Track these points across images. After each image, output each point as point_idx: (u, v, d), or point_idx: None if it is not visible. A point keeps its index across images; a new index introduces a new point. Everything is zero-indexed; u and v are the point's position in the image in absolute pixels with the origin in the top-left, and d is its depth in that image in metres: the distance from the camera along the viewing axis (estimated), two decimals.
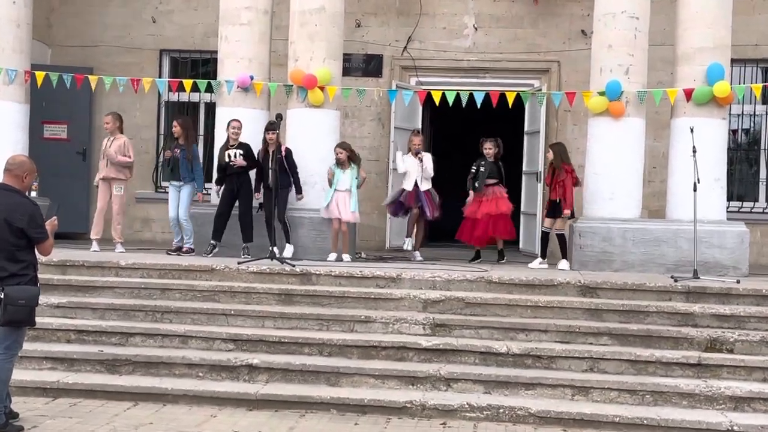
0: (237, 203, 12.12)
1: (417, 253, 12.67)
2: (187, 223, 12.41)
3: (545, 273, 10.78)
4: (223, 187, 12.24)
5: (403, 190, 12.78)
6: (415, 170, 12.61)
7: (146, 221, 15.64)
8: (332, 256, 11.98)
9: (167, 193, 12.84)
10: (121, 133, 12.77)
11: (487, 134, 13.11)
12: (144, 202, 15.49)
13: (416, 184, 12.62)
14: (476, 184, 12.63)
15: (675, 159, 11.94)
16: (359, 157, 12.46)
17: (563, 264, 11.79)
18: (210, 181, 12.91)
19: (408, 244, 12.62)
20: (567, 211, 11.86)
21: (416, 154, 12.63)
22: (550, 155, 12.05)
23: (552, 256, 12.36)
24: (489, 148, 12.68)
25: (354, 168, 12.19)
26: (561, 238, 11.98)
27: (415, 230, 12.89)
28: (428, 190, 12.68)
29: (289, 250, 11.83)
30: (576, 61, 14.75)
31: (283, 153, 11.98)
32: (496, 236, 12.64)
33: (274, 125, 11.79)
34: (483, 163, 12.70)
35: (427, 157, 12.71)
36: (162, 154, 12.59)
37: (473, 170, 12.73)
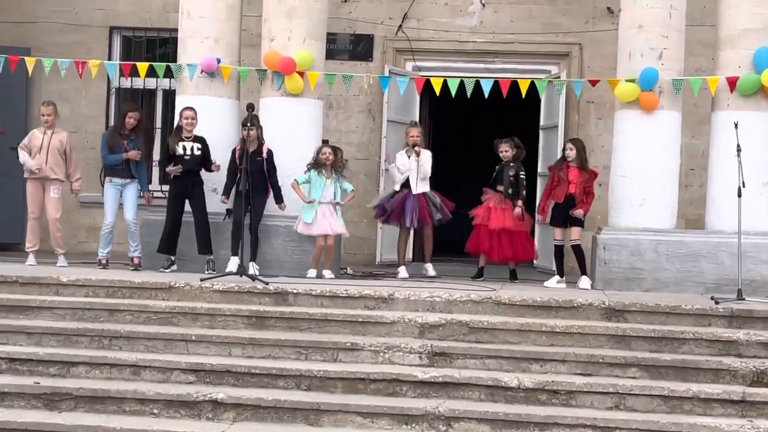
0: (189, 209, 12.15)
1: (403, 269, 12.69)
2: (136, 229, 12.43)
3: (563, 293, 10.81)
4: (168, 190, 12.29)
5: (395, 192, 12.79)
6: (410, 169, 12.65)
7: (92, 229, 15.60)
8: (311, 272, 11.99)
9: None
10: None
11: (498, 130, 13.16)
12: (90, 207, 15.47)
13: (408, 187, 12.66)
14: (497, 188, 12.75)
15: (716, 159, 11.99)
16: (345, 164, 12.42)
17: (584, 282, 11.84)
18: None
19: (402, 272, 12.63)
20: (580, 211, 11.95)
21: (413, 147, 12.65)
22: (573, 152, 12.06)
23: (572, 273, 12.39)
24: (506, 150, 12.70)
25: (336, 177, 12.19)
26: (577, 249, 12.02)
27: (407, 247, 12.93)
28: (424, 193, 12.70)
29: (251, 269, 11.69)
30: (601, 43, 14.82)
31: (265, 155, 11.96)
32: (510, 258, 12.71)
33: (252, 120, 11.67)
34: (497, 167, 12.77)
35: (426, 154, 12.72)
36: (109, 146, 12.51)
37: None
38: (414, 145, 12.65)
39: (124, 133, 12.49)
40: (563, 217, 12.11)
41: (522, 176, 12.73)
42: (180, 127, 12.28)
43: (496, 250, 12.61)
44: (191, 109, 12.24)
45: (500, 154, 12.75)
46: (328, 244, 12.12)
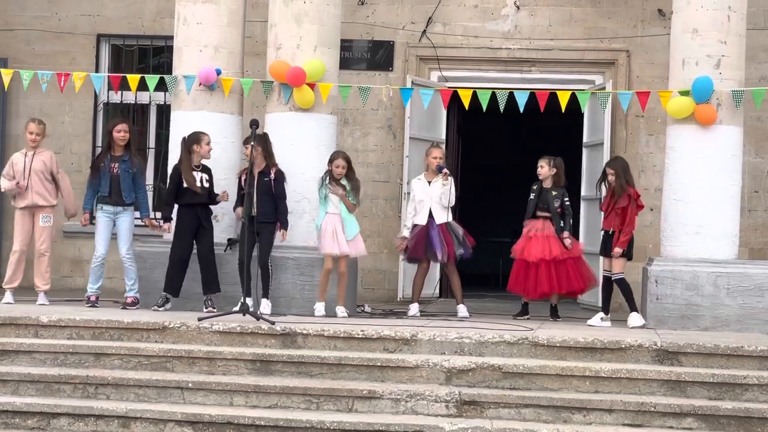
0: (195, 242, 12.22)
1: (415, 306, 12.73)
2: (131, 264, 12.44)
3: (610, 332, 10.79)
4: (176, 223, 12.23)
5: (415, 226, 12.81)
6: (430, 196, 12.67)
7: (77, 263, 15.69)
8: (319, 307, 11.98)
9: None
10: None
11: (534, 150, 13.18)
12: (74, 238, 15.54)
13: (431, 216, 12.67)
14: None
15: None
16: (358, 181, 12.44)
17: (634, 319, 11.80)
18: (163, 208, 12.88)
19: (414, 310, 12.66)
20: (618, 250, 11.90)
21: (440, 171, 12.69)
22: (611, 177, 12.04)
23: (621, 309, 12.37)
24: (541, 167, 12.76)
25: (345, 185, 12.16)
26: (620, 283, 11.98)
27: (424, 282, 12.99)
28: (446, 223, 12.72)
29: (265, 307, 11.78)
30: (651, 50, 14.84)
31: (273, 176, 11.93)
32: (559, 291, 12.72)
33: (255, 137, 11.70)
34: (535, 187, 12.82)
35: (450, 182, 12.72)
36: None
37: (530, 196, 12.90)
38: (440, 169, 12.65)
39: (116, 154, 12.47)
40: (606, 246, 12.12)
41: (567, 204, 12.75)
42: (189, 154, 12.20)
43: (538, 285, 12.59)
44: (207, 134, 12.24)
45: (537, 170, 12.78)
46: (340, 270, 12.08)
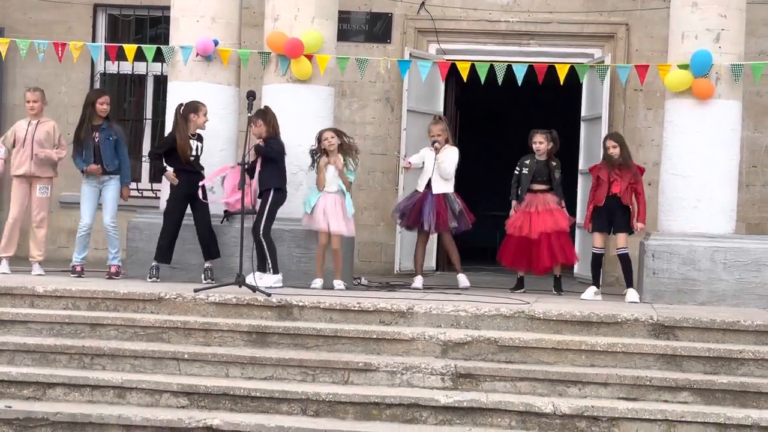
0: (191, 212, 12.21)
1: (419, 279, 12.81)
2: (115, 233, 12.49)
3: (606, 307, 10.81)
4: (170, 190, 12.24)
5: (415, 192, 12.91)
6: (430, 167, 12.78)
7: (73, 233, 15.57)
8: (317, 282, 12.00)
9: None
10: None
11: (532, 122, 13.16)
12: (71, 208, 15.51)
13: (429, 186, 12.77)
14: (519, 191, 12.72)
15: None
16: (356, 148, 12.36)
17: (631, 294, 11.82)
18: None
19: (417, 282, 12.75)
20: (642, 225, 11.94)
21: (433, 144, 12.81)
22: (615, 149, 11.99)
23: (617, 284, 12.39)
24: (540, 142, 12.71)
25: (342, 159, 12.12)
26: (624, 258, 12.00)
27: (425, 254, 13.04)
28: (445, 194, 12.77)
29: (271, 280, 11.70)
30: (650, 23, 14.81)
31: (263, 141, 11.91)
32: (557, 263, 12.73)
33: (248, 109, 11.64)
34: (528, 162, 12.76)
35: (449, 152, 12.80)
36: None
37: (516, 171, 12.81)
38: (433, 143, 12.75)
39: (95, 123, 12.48)
40: (606, 222, 12.09)
41: (560, 175, 12.76)
42: (188, 123, 12.15)
43: (541, 260, 12.61)
44: (206, 105, 12.20)
45: (533, 146, 12.73)
46: (333, 247, 12.05)
